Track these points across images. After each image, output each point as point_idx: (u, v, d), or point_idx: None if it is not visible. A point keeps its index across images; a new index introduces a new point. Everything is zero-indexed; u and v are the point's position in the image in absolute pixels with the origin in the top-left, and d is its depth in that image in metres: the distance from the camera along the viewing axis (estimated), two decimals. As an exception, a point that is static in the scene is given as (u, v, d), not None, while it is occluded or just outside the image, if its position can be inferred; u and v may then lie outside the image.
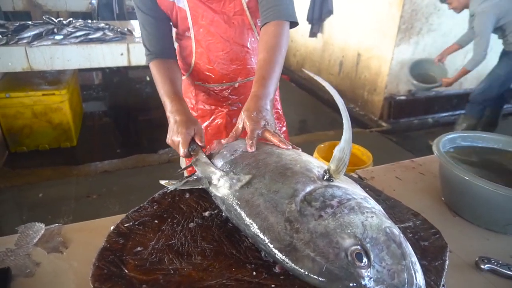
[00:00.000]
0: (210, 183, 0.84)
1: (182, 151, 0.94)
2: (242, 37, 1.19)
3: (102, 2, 5.46)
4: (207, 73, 1.26)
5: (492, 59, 4.29)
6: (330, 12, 4.71)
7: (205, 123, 1.39)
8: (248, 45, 1.21)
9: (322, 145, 2.39)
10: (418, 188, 1.10)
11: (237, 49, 1.20)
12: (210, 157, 0.91)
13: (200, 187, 0.88)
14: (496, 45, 4.18)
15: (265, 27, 1.06)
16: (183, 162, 1.50)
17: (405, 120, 4.19)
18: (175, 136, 0.96)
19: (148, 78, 5.41)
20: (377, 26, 3.98)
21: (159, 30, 1.12)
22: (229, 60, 1.21)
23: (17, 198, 2.64)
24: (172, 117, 1.00)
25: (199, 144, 0.95)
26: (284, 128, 1.44)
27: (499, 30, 3.10)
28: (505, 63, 3.16)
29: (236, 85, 1.29)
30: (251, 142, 0.84)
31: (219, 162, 0.86)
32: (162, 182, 0.93)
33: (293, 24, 1.10)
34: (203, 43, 1.19)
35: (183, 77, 1.30)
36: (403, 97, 4.12)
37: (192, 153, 0.95)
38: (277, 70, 0.98)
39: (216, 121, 1.37)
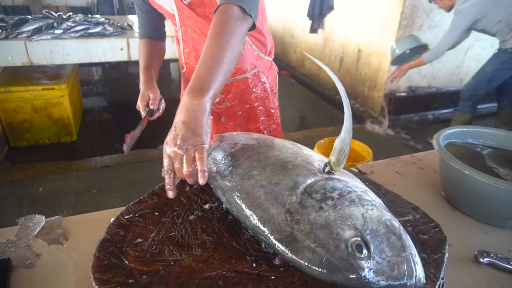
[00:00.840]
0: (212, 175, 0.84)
1: (141, 108, 1.21)
2: None
3: (102, -3, 5.44)
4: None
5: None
6: (330, 8, 4.70)
7: None
8: None
9: (322, 141, 2.40)
10: (418, 182, 1.10)
11: None
12: (212, 150, 0.92)
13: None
14: (496, 41, 4.18)
15: (216, 13, 0.91)
16: None
17: (405, 116, 4.18)
18: (139, 101, 1.22)
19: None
20: (378, 22, 3.97)
21: (147, 22, 1.32)
22: None
23: (17, 192, 2.64)
24: (141, 87, 1.23)
25: (150, 107, 1.20)
26: (273, 126, 1.43)
27: (483, 31, 3.10)
28: (492, 60, 3.15)
29: None
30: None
31: (219, 155, 0.86)
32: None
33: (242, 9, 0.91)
34: (189, 43, 1.27)
35: (182, 71, 1.41)
36: (403, 94, 4.12)
37: (145, 114, 1.21)
38: (219, 67, 0.81)
39: None
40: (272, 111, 1.42)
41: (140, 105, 1.22)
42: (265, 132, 1.41)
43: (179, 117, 0.73)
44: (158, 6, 1.22)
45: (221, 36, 0.85)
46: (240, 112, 1.37)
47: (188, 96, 0.75)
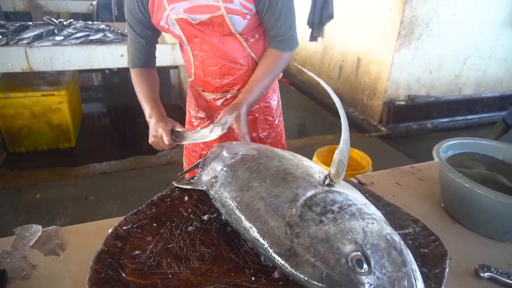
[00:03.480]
0: (211, 186, 0.83)
1: (166, 139, 1.06)
2: (234, 55, 1.22)
3: (101, 4, 5.46)
4: (204, 81, 1.31)
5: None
6: (330, 17, 4.73)
7: (204, 125, 1.42)
8: (241, 61, 1.24)
9: (321, 149, 2.39)
10: (418, 194, 1.10)
11: (229, 65, 1.23)
12: (211, 160, 0.91)
13: (200, 189, 0.88)
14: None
15: (269, 50, 1.22)
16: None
17: (404, 125, 4.19)
18: (155, 132, 1.09)
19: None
20: (377, 31, 4.00)
21: (143, 49, 1.24)
22: (222, 74, 1.25)
23: (15, 199, 2.62)
24: (151, 120, 1.13)
25: (180, 130, 1.09)
26: (273, 134, 1.44)
27: None
28: None
29: (228, 96, 1.32)
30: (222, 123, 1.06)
31: (219, 165, 0.86)
32: (175, 183, 0.94)
33: None
34: (198, 58, 1.24)
35: (189, 79, 1.39)
36: (402, 102, 4.13)
37: (176, 139, 1.07)
38: (262, 89, 1.19)
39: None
40: (276, 122, 1.43)
41: (159, 133, 1.08)
42: (266, 140, 1.42)
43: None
44: (162, 28, 1.19)
45: (269, 76, 1.19)
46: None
47: (236, 102, 1.13)
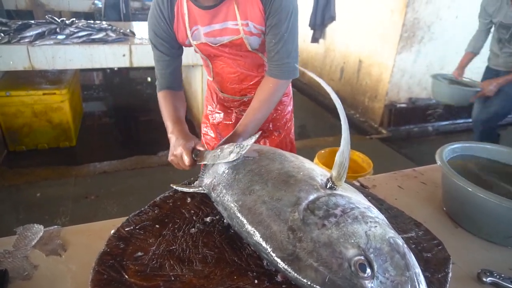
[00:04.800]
0: (212, 188, 0.83)
1: (186, 159, 0.99)
2: (252, 67, 1.28)
3: (109, 3, 5.44)
4: (223, 85, 1.38)
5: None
6: (332, 18, 4.72)
7: (220, 119, 1.52)
8: (258, 70, 1.30)
9: (322, 151, 2.39)
10: (420, 197, 1.10)
11: (247, 73, 1.30)
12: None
13: (202, 191, 0.87)
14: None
15: (265, 79, 1.20)
16: None
17: (405, 127, 4.19)
18: (176, 151, 1.03)
19: (149, 79, 5.41)
20: (379, 33, 4.00)
21: (169, 67, 1.23)
22: (240, 80, 1.32)
23: (15, 197, 2.62)
24: (172, 137, 1.09)
25: (201, 149, 1.01)
26: (283, 127, 1.56)
27: None
28: None
29: (246, 99, 1.39)
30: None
31: (221, 168, 0.86)
32: (174, 186, 0.94)
33: None
34: (218, 66, 1.29)
35: (209, 78, 1.43)
36: (403, 105, 4.13)
37: (196, 158, 0.99)
38: (258, 121, 1.19)
39: (226, 122, 1.52)
40: (283, 113, 1.54)
41: (179, 152, 1.03)
42: (275, 133, 1.51)
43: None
44: (186, 46, 1.22)
45: (265, 107, 1.19)
46: None
47: (233, 134, 1.13)
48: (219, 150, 0.94)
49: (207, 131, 1.55)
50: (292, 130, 1.57)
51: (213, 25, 1.12)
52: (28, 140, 3.16)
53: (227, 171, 0.84)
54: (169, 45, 1.19)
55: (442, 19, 3.75)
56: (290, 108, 1.53)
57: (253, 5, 1.08)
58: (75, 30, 2.92)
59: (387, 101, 4.06)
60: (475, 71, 4.29)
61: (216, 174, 0.85)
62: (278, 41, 1.12)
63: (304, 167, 0.80)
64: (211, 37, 1.15)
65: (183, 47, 1.25)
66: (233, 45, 1.16)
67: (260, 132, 1.04)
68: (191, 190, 0.89)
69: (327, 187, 0.72)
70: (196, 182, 0.92)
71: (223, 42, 1.15)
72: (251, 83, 1.32)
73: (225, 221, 0.79)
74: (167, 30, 1.15)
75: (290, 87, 1.52)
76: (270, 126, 1.51)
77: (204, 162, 0.96)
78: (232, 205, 0.74)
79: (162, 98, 1.22)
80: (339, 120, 0.75)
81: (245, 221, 0.69)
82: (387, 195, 1.07)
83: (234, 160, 0.86)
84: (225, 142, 1.07)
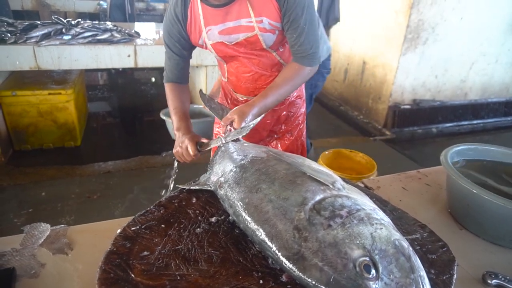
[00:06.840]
0: (219, 186, 0.84)
1: (190, 149, 1.09)
2: (266, 67, 1.30)
3: (114, 3, 5.47)
4: (237, 85, 1.39)
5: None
6: (336, 20, 4.71)
7: None
8: (272, 69, 1.32)
9: (326, 152, 2.39)
10: (424, 199, 1.09)
11: (261, 72, 1.31)
12: (217, 160, 0.92)
13: (208, 188, 0.88)
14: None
15: (291, 63, 1.22)
16: None
17: (409, 129, 4.18)
18: (181, 143, 1.12)
19: (153, 80, 5.43)
20: (383, 34, 3.99)
21: (178, 65, 1.29)
22: (254, 80, 1.34)
23: (20, 196, 2.64)
24: (178, 132, 1.17)
25: (204, 141, 1.11)
26: (296, 129, 1.54)
27: None
28: None
29: None
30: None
31: (228, 166, 0.86)
32: (180, 186, 0.95)
33: None
34: (233, 66, 1.32)
35: (223, 79, 1.47)
36: (407, 106, 4.12)
37: (200, 148, 1.09)
38: (278, 96, 1.19)
39: None
40: (296, 114, 1.52)
41: (184, 144, 1.12)
42: (287, 135, 1.51)
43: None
44: (200, 46, 1.25)
45: (287, 85, 1.18)
46: (268, 121, 1.47)
47: (249, 103, 1.14)
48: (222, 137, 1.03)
49: (219, 131, 1.57)
50: (304, 133, 1.57)
51: (226, 23, 1.14)
52: (33, 139, 3.19)
53: (234, 169, 0.84)
54: (181, 46, 1.24)
55: (446, 20, 3.74)
56: (303, 110, 1.54)
57: (266, 1, 1.10)
58: (81, 31, 2.95)
59: (391, 103, 4.05)
60: (480, 72, 4.28)
61: (223, 172, 0.86)
62: (300, 35, 1.14)
63: (311, 168, 0.80)
64: (226, 35, 1.17)
65: (193, 49, 1.29)
66: (248, 43, 1.18)
67: (263, 115, 1.13)
68: (198, 187, 0.90)
69: (334, 187, 0.73)
70: (202, 180, 0.92)
71: (238, 39, 1.17)
72: (265, 83, 1.33)
73: (230, 218, 0.80)
74: (180, 31, 1.20)
75: (303, 89, 1.53)
76: (283, 127, 1.51)
77: (207, 148, 1.07)
78: (238, 202, 0.75)
79: (169, 90, 1.30)
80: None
81: (251, 219, 0.70)
82: (391, 196, 1.07)
83: (241, 160, 0.87)
84: (240, 110, 1.10)
